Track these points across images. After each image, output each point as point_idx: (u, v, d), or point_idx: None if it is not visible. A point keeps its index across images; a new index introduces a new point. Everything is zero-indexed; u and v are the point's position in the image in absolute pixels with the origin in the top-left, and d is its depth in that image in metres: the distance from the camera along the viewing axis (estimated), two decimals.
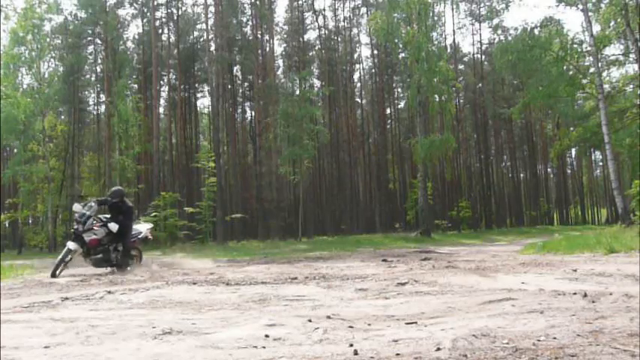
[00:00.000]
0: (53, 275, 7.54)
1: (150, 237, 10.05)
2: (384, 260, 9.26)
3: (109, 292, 5.14)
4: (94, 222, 8.44)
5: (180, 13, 38.53)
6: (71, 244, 8.18)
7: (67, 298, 4.75)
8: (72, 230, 8.75)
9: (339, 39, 41.32)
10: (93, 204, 8.60)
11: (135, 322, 3.30)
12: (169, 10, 38.04)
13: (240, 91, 40.51)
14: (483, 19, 41.26)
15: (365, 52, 67.24)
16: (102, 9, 30.41)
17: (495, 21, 40.24)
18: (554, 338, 2.47)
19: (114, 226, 8.43)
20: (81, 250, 8.22)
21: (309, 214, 34.35)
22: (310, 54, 40.18)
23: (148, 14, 34.82)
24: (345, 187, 38.01)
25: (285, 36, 41.04)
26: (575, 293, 3.95)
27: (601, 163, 55.25)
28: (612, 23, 20.21)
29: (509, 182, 50.63)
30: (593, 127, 22.01)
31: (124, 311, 3.87)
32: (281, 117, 26.80)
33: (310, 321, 3.16)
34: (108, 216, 8.79)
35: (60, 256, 8.09)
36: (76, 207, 8.59)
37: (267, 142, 32.75)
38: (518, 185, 50.56)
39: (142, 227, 9.78)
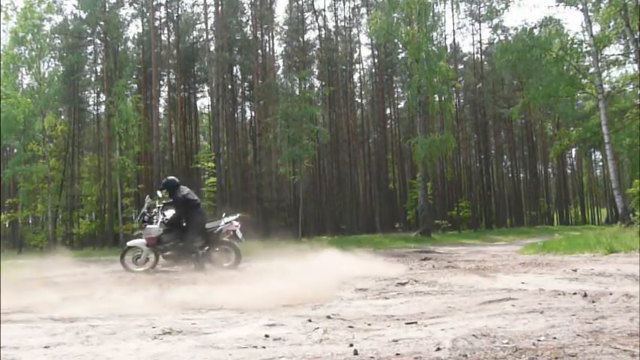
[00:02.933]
0: (125, 269, 8.18)
1: (238, 234, 8.24)
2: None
3: (109, 292, 5.14)
4: (152, 218, 8.39)
5: (180, 13, 38.54)
6: (130, 242, 8.73)
7: (67, 298, 4.74)
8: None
9: (339, 39, 41.31)
10: (148, 200, 8.60)
11: (135, 322, 3.30)
12: (169, 10, 38.05)
13: (240, 91, 40.49)
14: (483, 19, 41.23)
15: (365, 52, 67.18)
16: (102, 9, 30.39)
17: (495, 21, 40.18)
18: (554, 338, 2.47)
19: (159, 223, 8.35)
20: (147, 248, 8.35)
21: (309, 214, 34.34)
22: (310, 54, 40.17)
23: (148, 14, 34.81)
24: (345, 187, 38.00)
25: (285, 36, 41.03)
26: (575, 293, 3.95)
27: (601, 163, 55.27)
28: (612, 23, 20.20)
29: (509, 182, 50.62)
30: (593, 127, 21.99)
31: (124, 311, 3.87)
32: (281, 117, 26.80)
33: (310, 321, 3.16)
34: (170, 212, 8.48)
35: (121, 253, 8.76)
36: (147, 199, 8.75)
37: (267, 142, 32.75)
38: (518, 185, 50.54)
39: (222, 221, 8.37)
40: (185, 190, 8.32)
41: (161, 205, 8.49)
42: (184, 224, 8.22)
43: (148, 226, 8.25)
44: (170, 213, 8.41)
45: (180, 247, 8.08)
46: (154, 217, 8.35)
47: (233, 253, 8.20)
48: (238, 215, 8.91)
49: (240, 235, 8.35)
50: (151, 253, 8.35)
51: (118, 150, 26.52)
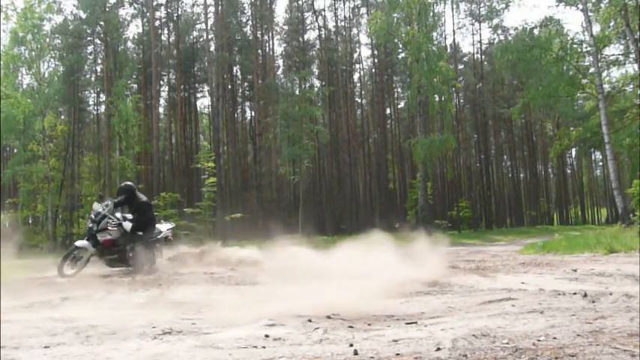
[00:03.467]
0: (60, 273, 7.66)
1: (170, 238, 9.34)
2: None
3: (109, 292, 5.14)
4: (110, 221, 8.31)
5: (180, 13, 38.55)
6: (79, 242, 8.30)
7: (67, 298, 4.74)
8: (87, 229, 8.60)
9: (339, 39, 41.30)
10: (109, 203, 8.51)
11: (135, 322, 3.29)
12: (169, 10, 38.05)
13: (240, 91, 40.50)
14: (483, 19, 41.23)
15: (365, 52, 67.13)
16: (102, 9, 30.39)
17: (495, 21, 40.22)
18: (554, 338, 2.47)
19: (127, 225, 8.32)
20: (93, 250, 8.14)
21: (309, 214, 34.33)
22: (310, 54, 40.17)
23: (148, 14, 34.81)
24: (345, 187, 38.00)
25: (285, 36, 41.04)
26: (575, 293, 3.95)
27: (601, 163, 55.23)
28: (612, 23, 20.21)
29: (509, 182, 50.61)
30: (593, 127, 22.01)
31: (124, 311, 3.87)
32: (281, 117, 26.82)
33: (310, 321, 3.16)
34: (129, 216, 8.58)
35: (65, 254, 8.23)
36: (95, 205, 8.61)
37: (267, 142, 32.76)
38: (518, 185, 50.53)
39: (163, 227, 9.25)
40: (142, 194, 8.79)
41: (111, 203, 8.49)
42: (136, 227, 8.36)
43: (112, 228, 8.24)
44: (121, 216, 8.56)
45: (127, 250, 8.17)
46: (107, 220, 8.30)
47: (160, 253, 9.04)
48: (174, 225, 10.04)
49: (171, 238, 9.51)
50: (94, 255, 8.24)
51: (118, 150, 26.53)
